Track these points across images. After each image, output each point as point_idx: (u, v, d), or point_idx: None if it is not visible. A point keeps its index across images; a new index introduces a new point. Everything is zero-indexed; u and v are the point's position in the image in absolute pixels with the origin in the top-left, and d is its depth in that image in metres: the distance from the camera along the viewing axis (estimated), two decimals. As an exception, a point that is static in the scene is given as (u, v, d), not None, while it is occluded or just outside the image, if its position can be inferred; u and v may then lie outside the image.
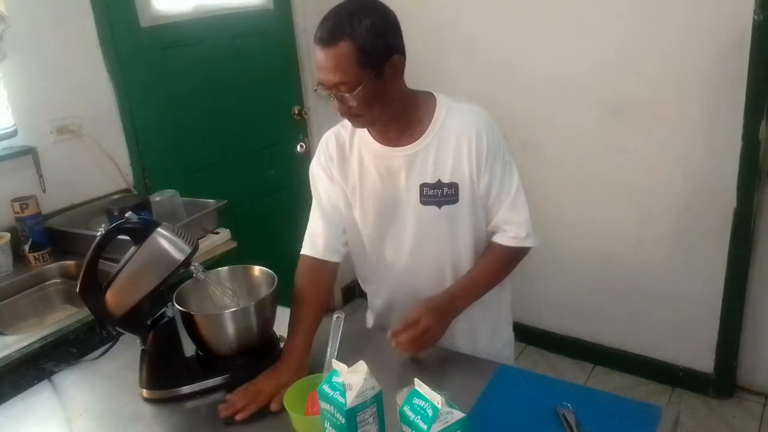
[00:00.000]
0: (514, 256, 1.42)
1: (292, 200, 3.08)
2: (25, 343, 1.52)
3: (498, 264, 1.42)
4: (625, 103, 2.40)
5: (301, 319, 1.35)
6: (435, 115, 1.35)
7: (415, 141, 1.35)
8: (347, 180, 1.43)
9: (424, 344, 1.27)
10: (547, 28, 2.47)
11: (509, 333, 1.63)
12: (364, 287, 1.61)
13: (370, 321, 1.63)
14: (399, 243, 1.42)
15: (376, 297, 1.57)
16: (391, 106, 1.30)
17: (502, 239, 1.39)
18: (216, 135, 2.71)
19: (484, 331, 1.51)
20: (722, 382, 2.54)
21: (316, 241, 1.44)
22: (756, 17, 2.03)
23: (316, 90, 1.30)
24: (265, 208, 2.96)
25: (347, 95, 1.22)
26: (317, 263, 1.43)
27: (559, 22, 2.44)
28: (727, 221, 2.31)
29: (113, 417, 1.24)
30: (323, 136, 1.49)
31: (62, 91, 2.13)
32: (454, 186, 1.35)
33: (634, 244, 2.56)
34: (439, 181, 1.35)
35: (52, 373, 1.38)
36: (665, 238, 2.49)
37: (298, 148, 3.08)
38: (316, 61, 1.24)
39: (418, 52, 2.79)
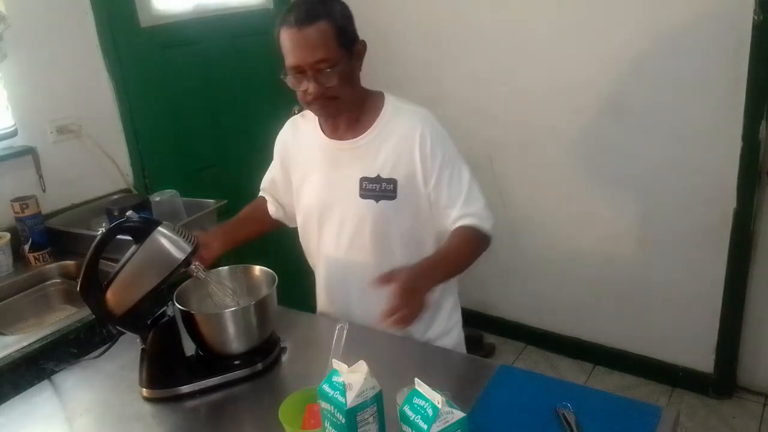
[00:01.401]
0: (477, 239, 1.39)
1: (292, 200, 3.08)
2: (25, 343, 1.52)
3: (464, 243, 1.38)
4: (625, 103, 2.40)
5: (237, 218, 1.67)
6: (382, 112, 1.41)
7: (360, 135, 1.41)
8: (294, 173, 1.53)
9: (413, 315, 1.21)
10: (546, 29, 2.47)
11: (459, 335, 1.60)
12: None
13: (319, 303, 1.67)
14: (337, 236, 1.47)
15: (317, 280, 1.63)
16: (356, 92, 1.38)
17: (463, 222, 1.38)
18: (216, 135, 2.71)
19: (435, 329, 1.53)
20: (722, 382, 2.54)
21: (264, 189, 1.69)
22: (756, 17, 2.03)
23: (283, 77, 1.33)
24: (265, 208, 2.96)
25: (328, 71, 1.28)
26: (262, 200, 1.70)
27: (558, 23, 2.44)
28: (727, 221, 2.31)
29: (113, 416, 1.24)
30: (286, 123, 1.60)
31: (62, 91, 2.13)
32: (392, 182, 1.38)
33: (634, 244, 2.56)
34: (378, 175, 1.39)
35: (53, 372, 1.38)
36: (665, 239, 2.49)
37: (298, 148, 3.08)
38: (289, 46, 1.28)
39: (418, 56, 2.81)
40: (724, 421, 2.43)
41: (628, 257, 2.59)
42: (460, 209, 1.38)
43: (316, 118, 1.49)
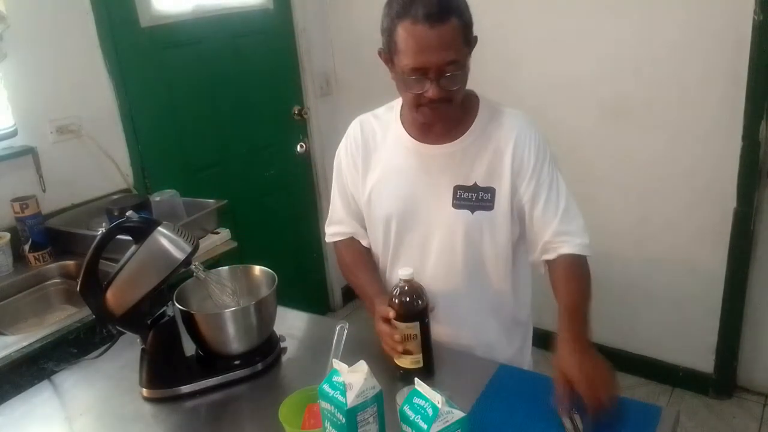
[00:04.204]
0: (584, 271, 1.32)
1: (292, 200, 3.08)
2: (25, 343, 1.52)
3: (582, 286, 1.32)
4: (625, 103, 2.40)
5: (366, 270, 1.39)
6: (478, 115, 1.31)
7: (455, 140, 1.30)
8: (370, 173, 1.38)
9: (603, 389, 1.08)
10: (547, 29, 2.47)
11: (525, 336, 1.52)
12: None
13: None
14: (422, 247, 1.36)
15: None
16: (463, 95, 1.27)
17: (568, 249, 1.29)
18: (216, 135, 2.71)
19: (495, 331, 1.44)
20: (722, 382, 2.54)
21: (344, 230, 1.47)
22: (756, 17, 2.03)
23: (403, 78, 1.19)
24: (265, 208, 2.96)
25: (456, 74, 1.16)
26: (352, 240, 1.47)
27: (559, 23, 2.44)
28: (727, 221, 2.31)
29: (113, 416, 1.24)
30: (353, 122, 1.44)
31: (62, 91, 2.13)
32: (490, 191, 1.28)
33: (635, 243, 2.56)
34: (475, 184, 1.28)
35: (53, 372, 1.38)
36: (665, 238, 2.49)
37: (298, 148, 3.08)
38: (413, 45, 1.13)
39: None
40: (724, 421, 2.43)
41: (628, 257, 2.59)
42: (557, 226, 1.28)
43: (399, 118, 1.36)
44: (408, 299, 1.18)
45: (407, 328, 1.18)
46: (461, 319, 1.40)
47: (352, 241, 1.48)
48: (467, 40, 1.18)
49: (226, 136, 2.75)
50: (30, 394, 1.32)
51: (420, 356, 1.21)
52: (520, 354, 1.50)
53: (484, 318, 1.41)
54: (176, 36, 2.50)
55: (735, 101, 2.15)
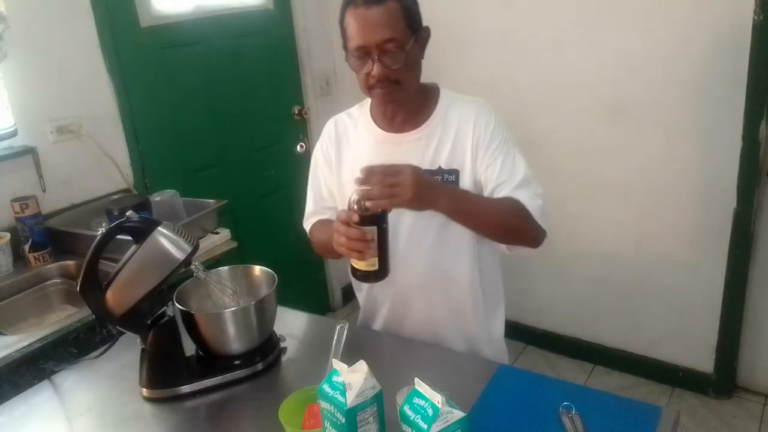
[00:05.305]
0: (522, 213, 1.30)
1: (292, 200, 3.08)
2: (25, 343, 1.52)
3: (502, 204, 1.31)
4: (625, 103, 2.40)
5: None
6: (439, 103, 1.39)
7: (418, 127, 1.38)
8: (343, 165, 1.46)
9: (390, 195, 1.17)
10: (547, 29, 2.47)
11: (502, 348, 1.58)
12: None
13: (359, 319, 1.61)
14: (393, 232, 1.37)
15: (359, 290, 1.57)
16: (418, 80, 1.34)
17: (514, 195, 1.31)
18: (216, 135, 2.70)
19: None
20: (722, 382, 2.54)
21: (319, 218, 1.53)
22: (756, 17, 2.04)
23: (351, 60, 1.29)
24: (265, 208, 2.96)
25: (394, 52, 1.24)
26: (323, 220, 1.51)
27: (559, 23, 2.44)
28: (727, 221, 2.31)
29: (113, 416, 1.24)
30: (328, 121, 1.53)
31: (62, 91, 2.13)
32: (454, 172, 1.35)
33: (635, 244, 2.57)
34: (439, 167, 1.35)
35: (53, 372, 1.38)
36: (665, 238, 2.49)
37: (298, 148, 3.08)
38: (355, 26, 1.25)
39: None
40: (724, 421, 2.44)
41: (628, 257, 2.59)
42: (511, 191, 1.31)
43: (368, 112, 1.45)
44: (366, 204, 1.19)
45: (365, 232, 1.19)
46: (435, 301, 1.43)
47: (323, 221, 1.51)
48: (409, 23, 1.26)
49: (226, 136, 2.75)
50: (30, 394, 1.32)
51: (375, 260, 1.22)
52: (492, 339, 1.52)
53: (456, 299, 1.44)
54: (176, 36, 2.50)
55: (735, 101, 2.15)
